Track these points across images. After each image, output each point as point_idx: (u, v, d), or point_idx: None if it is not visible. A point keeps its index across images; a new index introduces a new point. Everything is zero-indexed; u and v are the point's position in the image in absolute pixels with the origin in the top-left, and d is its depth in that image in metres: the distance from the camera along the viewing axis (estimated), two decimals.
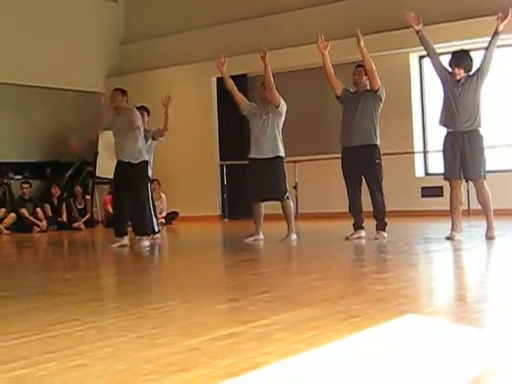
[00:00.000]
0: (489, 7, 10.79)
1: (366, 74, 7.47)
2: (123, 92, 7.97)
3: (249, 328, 2.95)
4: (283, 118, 7.77)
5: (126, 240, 7.88)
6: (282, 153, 7.72)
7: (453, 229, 6.87)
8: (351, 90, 7.62)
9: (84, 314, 3.46)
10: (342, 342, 2.65)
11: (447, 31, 11.19)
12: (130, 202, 7.68)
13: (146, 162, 7.85)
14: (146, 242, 7.68)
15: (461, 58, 6.84)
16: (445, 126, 6.94)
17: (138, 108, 8.59)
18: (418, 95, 12.20)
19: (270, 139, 7.59)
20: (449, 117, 6.84)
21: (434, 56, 6.97)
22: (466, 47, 11.05)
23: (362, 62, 7.68)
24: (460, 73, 6.75)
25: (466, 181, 7.06)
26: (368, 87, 7.50)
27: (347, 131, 7.44)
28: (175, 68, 14.05)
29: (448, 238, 6.81)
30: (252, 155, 7.66)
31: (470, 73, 6.79)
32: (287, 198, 7.72)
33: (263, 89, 7.84)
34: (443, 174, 7.00)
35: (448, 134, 6.92)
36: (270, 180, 7.57)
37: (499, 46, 11.19)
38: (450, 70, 6.85)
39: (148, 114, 8.72)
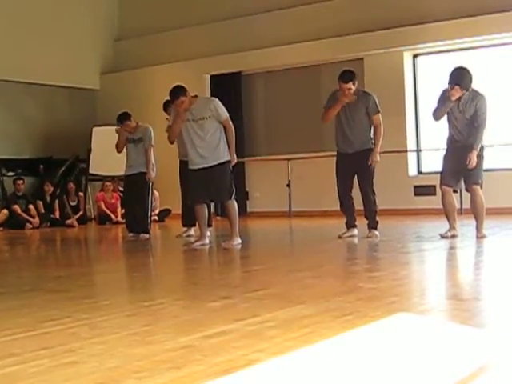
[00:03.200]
0: (493, 5, 10.82)
1: (354, 84, 7.23)
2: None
3: (241, 325, 2.96)
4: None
5: (192, 231, 8.41)
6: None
7: (449, 229, 6.92)
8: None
9: (76, 311, 3.46)
10: (334, 340, 2.66)
11: (450, 29, 11.20)
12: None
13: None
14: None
15: (460, 77, 6.69)
16: (449, 141, 6.95)
17: (120, 116, 8.65)
18: (412, 94, 12.21)
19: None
20: (452, 134, 6.88)
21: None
22: (469, 45, 11.17)
23: (346, 69, 7.58)
24: (461, 93, 6.66)
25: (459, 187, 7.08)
26: (355, 90, 7.37)
27: (344, 139, 7.37)
28: (169, 65, 14.02)
29: (442, 236, 6.84)
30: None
31: (468, 91, 6.71)
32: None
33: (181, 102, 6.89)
34: (440, 180, 6.99)
35: (450, 143, 6.93)
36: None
37: (496, 45, 11.29)
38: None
39: (130, 119, 8.69)
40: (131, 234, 8.65)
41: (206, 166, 6.91)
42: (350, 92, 7.22)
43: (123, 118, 8.67)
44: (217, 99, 7.07)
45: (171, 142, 7.84)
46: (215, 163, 6.89)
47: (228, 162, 6.98)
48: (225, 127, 6.96)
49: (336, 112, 7.34)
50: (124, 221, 12.87)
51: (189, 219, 8.51)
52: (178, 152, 8.52)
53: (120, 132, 8.69)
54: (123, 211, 13.06)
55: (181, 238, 8.41)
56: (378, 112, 7.31)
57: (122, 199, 9.33)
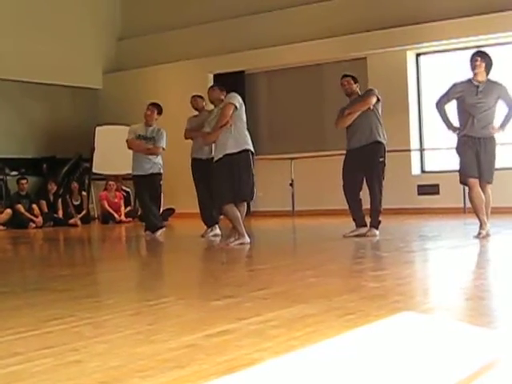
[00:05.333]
0: (497, 3, 10.80)
1: (354, 82, 7.45)
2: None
3: (244, 325, 2.96)
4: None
5: (218, 229, 8.47)
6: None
7: (481, 227, 6.70)
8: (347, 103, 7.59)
9: (80, 310, 3.46)
10: (337, 339, 2.66)
11: (453, 28, 11.18)
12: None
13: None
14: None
15: (482, 53, 6.77)
16: (463, 132, 6.79)
17: (151, 105, 8.74)
18: (415, 93, 12.20)
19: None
20: (466, 123, 6.74)
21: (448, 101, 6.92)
22: (472, 44, 11.16)
23: (347, 73, 7.70)
24: (481, 66, 6.62)
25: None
26: (359, 92, 7.49)
27: (351, 135, 7.42)
28: (172, 64, 14.03)
29: (475, 237, 6.66)
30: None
31: (489, 76, 6.71)
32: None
33: (212, 90, 7.41)
34: (461, 175, 6.79)
35: (463, 136, 6.79)
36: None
37: (500, 44, 11.26)
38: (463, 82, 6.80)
39: (159, 113, 8.73)
40: (149, 233, 8.66)
41: (226, 152, 6.79)
42: (349, 85, 7.39)
43: (158, 106, 8.75)
44: (236, 94, 7.05)
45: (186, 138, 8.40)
46: (236, 150, 6.78)
47: (250, 151, 6.87)
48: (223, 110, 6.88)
49: (353, 118, 7.34)
50: (128, 220, 12.91)
51: (210, 219, 8.47)
52: (191, 149, 8.52)
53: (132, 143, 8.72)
54: (127, 210, 13.11)
55: (205, 237, 8.25)
56: (372, 95, 7.32)
57: (140, 199, 9.16)
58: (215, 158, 6.95)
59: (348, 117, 7.35)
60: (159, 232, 8.68)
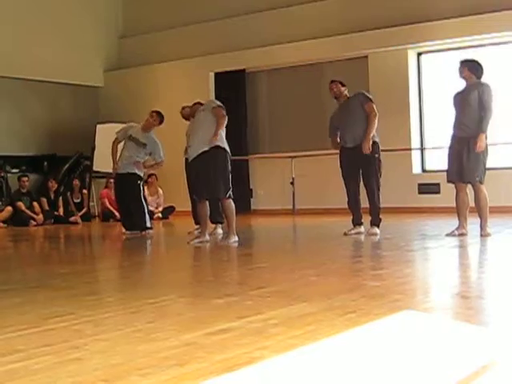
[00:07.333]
0: (498, 2, 10.79)
1: (342, 86, 7.54)
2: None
3: (245, 323, 2.96)
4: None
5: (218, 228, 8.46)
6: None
7: (457, 228, 6.87)
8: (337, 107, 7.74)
9: (80, 308, 3.46)
10: (337, 338, 2.66)
11: (455, 27, 11.17)
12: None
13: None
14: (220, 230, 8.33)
15: (463, 61, 6.87)
16: (452, 133, 6.92)
17: (155, 113, 8.68)
18: (416, 92, 12.19)
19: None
20: (454, 125, 6.85)
21: None
22: (473, 43, 11.16)
23: (335, 79, 7.77)
24: (465, 70, 6.73)
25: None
26: (348, 95, 7.57)
27: (343, 133, 7.53)
28: (173, 62, 14.03)
29: (448, 235, 6.82)
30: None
31: (480, 79, 6.76)
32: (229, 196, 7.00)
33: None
34: (446, 177, 7.00)
35: (453, 137, 6.90)
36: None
37: (497, 44, 11.27)
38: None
39: (160, 123, 8.76)
40: (128, 232, 8.68)
41: (200, 151, 6.92)
42: (337, 88, 7.49)
43: (162, 116, 8.73)
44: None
45: None
46: (210, 147, 6.88)
47: (225, 151, 6.96)
48: (216, 116, 6.95)
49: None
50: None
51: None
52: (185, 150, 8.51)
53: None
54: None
55: (192, 234, 8.35)
56: (370, 101, 7.43)
57: (117, 197, 9.21)
58: (193, 155, 7.04)
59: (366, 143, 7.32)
60: (129, 232, 8.75)
